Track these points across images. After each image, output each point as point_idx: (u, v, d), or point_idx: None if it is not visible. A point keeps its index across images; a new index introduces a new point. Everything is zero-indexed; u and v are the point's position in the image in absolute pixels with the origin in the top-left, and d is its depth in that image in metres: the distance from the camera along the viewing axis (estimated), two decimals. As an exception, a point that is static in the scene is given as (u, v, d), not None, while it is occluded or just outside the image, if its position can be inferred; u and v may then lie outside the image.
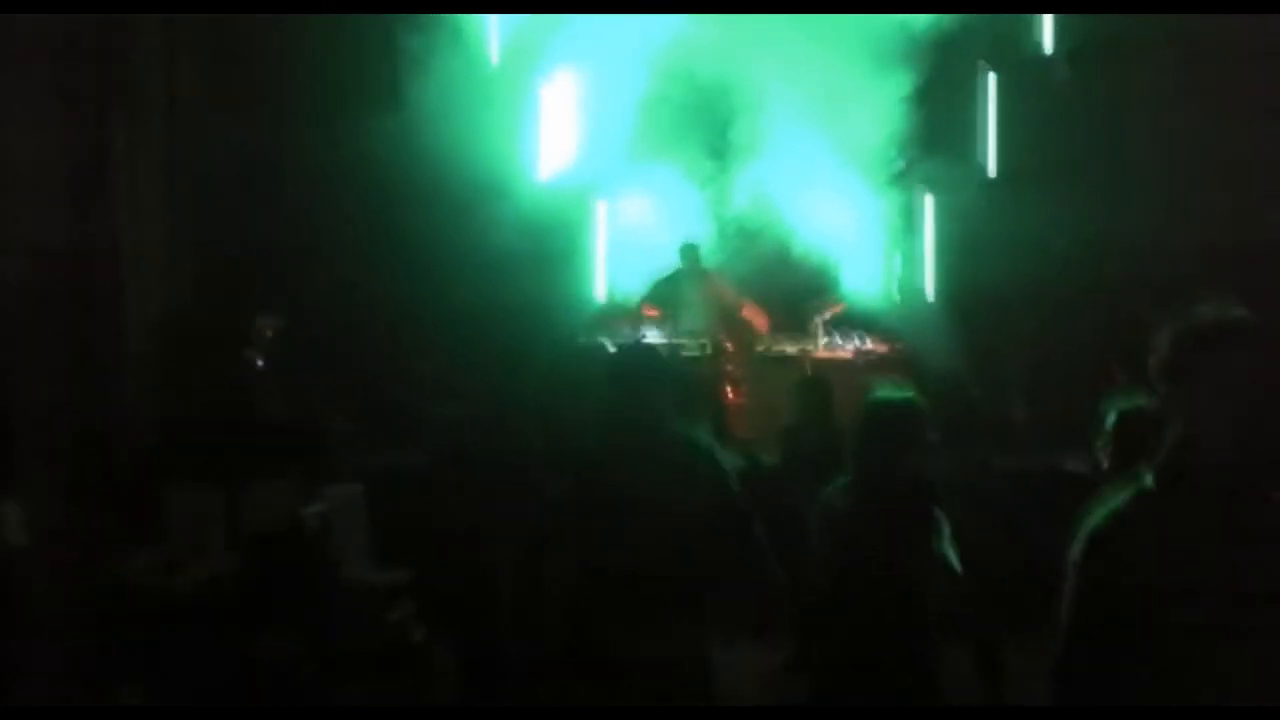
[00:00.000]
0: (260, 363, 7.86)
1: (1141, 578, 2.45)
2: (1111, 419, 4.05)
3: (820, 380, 7.28)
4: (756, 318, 9.51)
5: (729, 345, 9.39)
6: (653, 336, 9.44)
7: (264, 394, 7.67)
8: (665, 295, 9.55)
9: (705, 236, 9.62)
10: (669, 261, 9.56)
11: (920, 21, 9.07)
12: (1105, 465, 4.05)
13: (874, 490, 4.11)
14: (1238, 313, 2.52)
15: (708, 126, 9.41)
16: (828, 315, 9.46)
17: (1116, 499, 2.54)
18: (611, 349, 8.49)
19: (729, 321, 9.50)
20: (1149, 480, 2.51)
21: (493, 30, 9.71)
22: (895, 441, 4.10)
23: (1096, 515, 2.56)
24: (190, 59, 8.54)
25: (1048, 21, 9.72)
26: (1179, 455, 2.52)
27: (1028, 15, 9.70)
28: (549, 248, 9.44)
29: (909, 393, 4.23)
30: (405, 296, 9.15)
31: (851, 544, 4.11)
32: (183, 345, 7.83)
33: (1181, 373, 2.52)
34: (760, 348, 9.45)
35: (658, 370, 4.42)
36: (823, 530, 4.20)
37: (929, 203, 9.81)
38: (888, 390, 4.24)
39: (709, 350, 9.34)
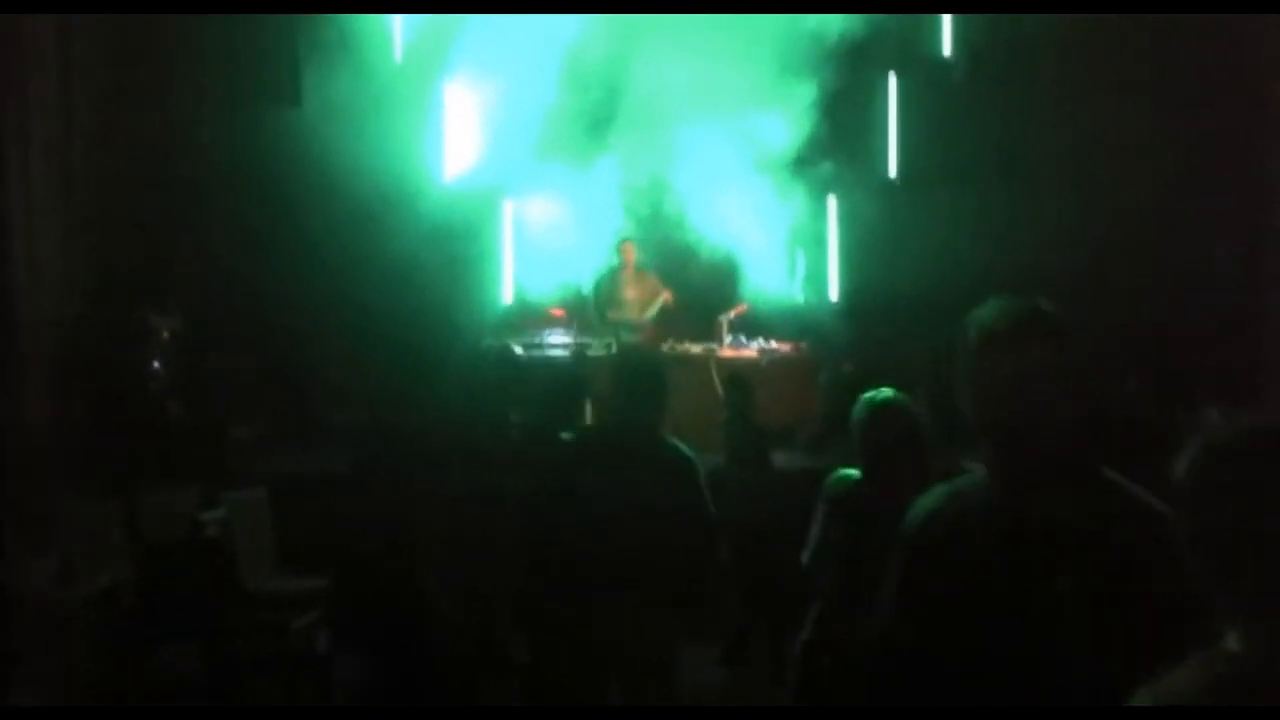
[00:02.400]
0: (157, 365, 7.69)
1: (964, 559, 2.55)
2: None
3: (743, 378, 7.46)
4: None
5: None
6: (558, 337, 9.45)
7: (161, 397, 7.52)
8: (607, 291, 9.59)
9: (614, 236, 9.62)
10: (583, 263, 9.55)
11: (825, 26, 9.15)
12: None
13: (882, 483, 4.11)
14: (1010, 312, 2.54)
15: (613, 128, 9.38)
16: (732, 315, 9.53)
17: (955, 483, 2.66)
18: (615, 353, 8.51)
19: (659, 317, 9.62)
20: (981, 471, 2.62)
21: (397, 29, 9.61)
22: (904, 438, 4.13)
23: (935, 494, 2.68)
24: (86, 50, 8.30)
25: (948, 25, 9.87)
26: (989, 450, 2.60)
27: (930, 19, 9.85)
28: (454, 249, 9.37)
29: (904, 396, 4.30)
30: (308, 298, 9.01)
31: (866, 534, 4.17)
32: (77, 347, 7.63)
33: (971, 375, 2.55)
34: (665, 347, 9.48)
35: (659, 376, 4.54)
36: (836, 520, 4.25)
37: (832, 205, 9.92)
38: (888, 393, 4.27)
39: (614, 350, 9.35)
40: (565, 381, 6.79)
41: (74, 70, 8.17)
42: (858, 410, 4.21)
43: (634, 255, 9.63)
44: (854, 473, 4.23)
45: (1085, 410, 2.55)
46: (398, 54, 9.66)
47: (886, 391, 4.25)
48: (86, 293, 8.11)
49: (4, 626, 5.67)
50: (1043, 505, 2.53)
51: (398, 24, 9.61)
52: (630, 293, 9.62)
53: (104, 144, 8.47)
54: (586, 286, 9.67)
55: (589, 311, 9.62)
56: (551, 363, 8.72)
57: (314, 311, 8.98)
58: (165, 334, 7.87)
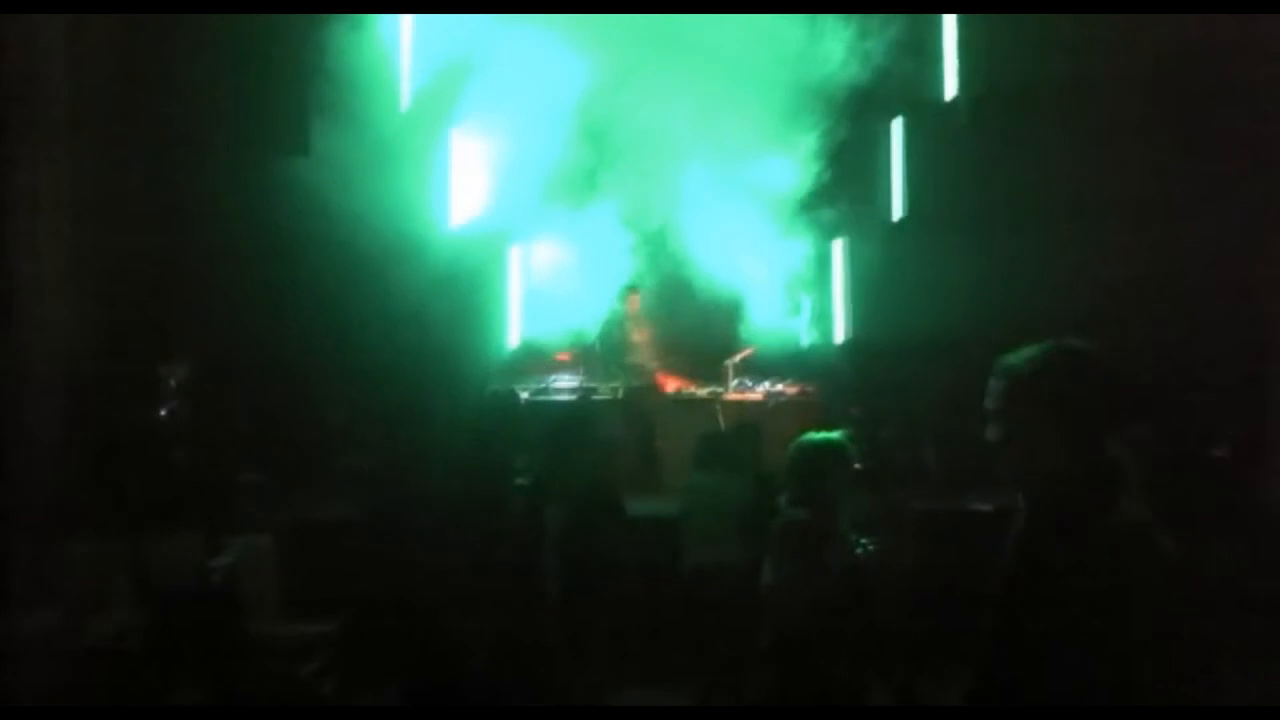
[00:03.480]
0: (164, 413, 7.70)
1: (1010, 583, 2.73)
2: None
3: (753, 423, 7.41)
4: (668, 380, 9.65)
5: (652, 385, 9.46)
6: (565, 381, 9.47)
7: (168, 445, 7.52)
8: (612, 338, 9.60)
9: (621, 283, 9.64)
10: (589, 307, 9.57)
11: (830, 70, 9.22)
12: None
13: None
14: (1038, 356, 2.73)
15: (618, 174, 9.43)
16: (738, 359, 9.54)
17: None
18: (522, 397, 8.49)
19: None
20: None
21: (404, 77, 9.69)
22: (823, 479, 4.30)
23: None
24: (94, 102, 8.38)
25: (953, 69, 9.94)
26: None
27: (933, 63, 9.92)
28: (460, 296, 9.40)
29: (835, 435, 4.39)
30: (315, 345, 9.03)
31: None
32: (84, 396, 7.65)
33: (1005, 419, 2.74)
34: (670, 391, 9.51)
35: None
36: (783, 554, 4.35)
37: (838, 248, 9.95)
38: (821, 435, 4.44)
39: (620, 395, 9.37)
40: (573, 426, 6.80)
41: (81, 124, 8.25)
42: (791, 451, 4.43)
43: (638, 304, 9.65)
44: (799, 512, 4.34)
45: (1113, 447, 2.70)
46: (404, 103, 9.73)
47: (821, 434, 4.47)
48: (93, 342, 8.15)
49: (8, 674, 5.65)
50: (1063, 544, 2.63)
51: (404, 73, 9.69)
52: (637, 338, 9.63)
53: (111, 195, 8.53)
54: (593, 332, 9.68)
55: (596, 357, 9.62)
56: (557, 407, 8.74)
57: (320, 359, 9.00)
58: (172, 382, 7.89)
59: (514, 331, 9.78)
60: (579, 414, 8.15)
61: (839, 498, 4.35)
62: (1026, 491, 2.77)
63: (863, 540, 4.32)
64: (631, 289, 9.62)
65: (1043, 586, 2.65)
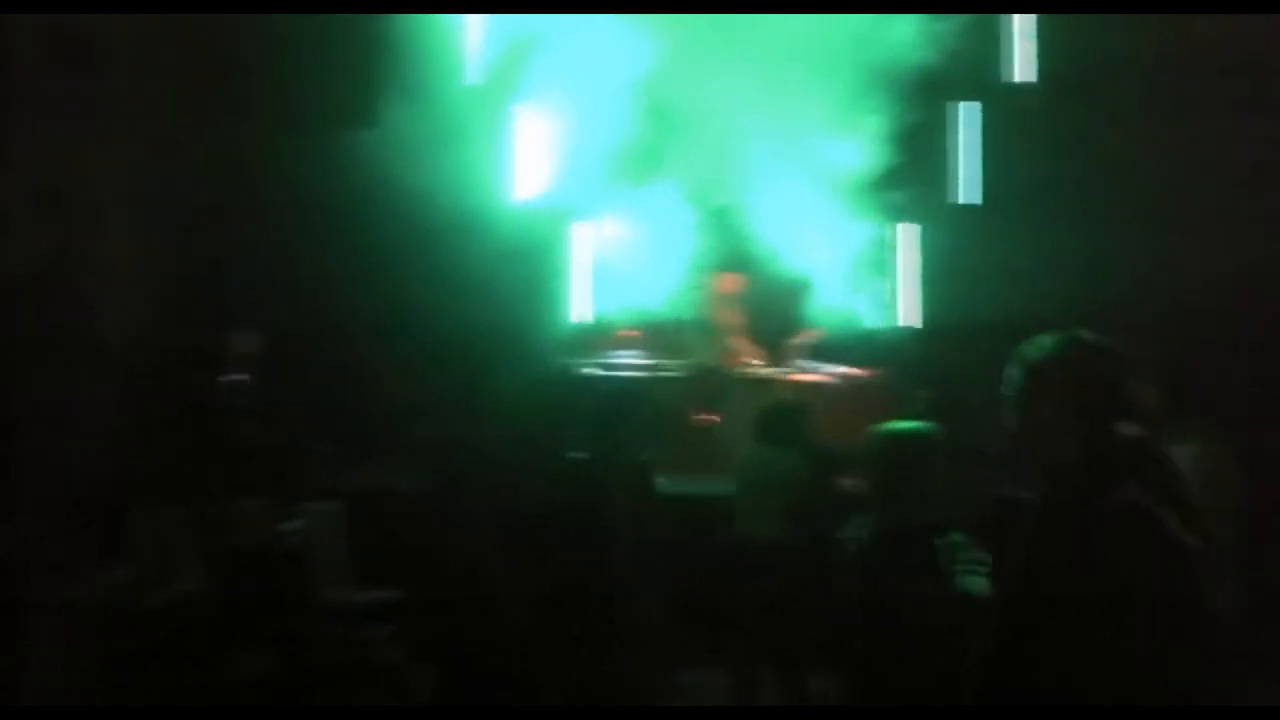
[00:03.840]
0: (234, 381, 7.73)
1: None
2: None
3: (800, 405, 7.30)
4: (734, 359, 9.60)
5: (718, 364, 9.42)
6: (629, 357, 9.45)
7: (240, 412, 7.56)
8: (698, 316, 9.58)
9: (685, 261, 9.59)
10: (653, 283, 9.54)
11: (899, 48, 9.10)
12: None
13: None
14: (1052, 347, 2.86)
15: (684, 150, 9.37)
16: (803, 340, 9.48)
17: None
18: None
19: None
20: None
21: (470, 51, 9.69)
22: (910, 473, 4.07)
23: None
24: (162, 72, 8.44)
25: (1025, 48, 9.81)
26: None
27: (1005, 41, 9.79)
28: (525, 270, 9.40)
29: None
30: (382, 317, 9.07)
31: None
32: (158, 363, 7.71)
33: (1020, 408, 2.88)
34: (736, 370, 9.46)
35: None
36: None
37: (906, 230, 9.86)
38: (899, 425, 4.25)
39: (683, 372, 9.35)
40: (636, 401, 6.78)
41: (150, 95, 8.30)
42: (866, 439, 4.21)
43: (732, 286, 9.59)
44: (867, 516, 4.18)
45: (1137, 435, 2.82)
46: (470, 77, 9.73)
47: (900, 424, 4.26)
48: (164, 310, 8.22)
49: (83, 638, 5.71)
50: (1071, 531, 2.74)
51: (471, 47, 9.68)
52: (725, 319, 9.58)
53: (179, 167, 8.59)
54: (657, 309, 9.63)
55: (678, 334, 9.58)
56: (622, 382, 8.71)
57: (388, 330, 9.04)
58: (242, 351, 7.93)
59: (578, 307, 9.76)
60: (632, 390, 8.14)
61: (928, 494, 4.13)
62: (1040, 480, 2.86)
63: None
64: (727, 269, 9.53)
65: (1053, 574, 2.74)
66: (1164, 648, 2.68)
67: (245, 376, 7.82)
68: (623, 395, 7.22)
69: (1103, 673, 2.69)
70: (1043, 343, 2.84)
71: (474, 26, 9.71)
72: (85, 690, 5.57)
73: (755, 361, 9.57)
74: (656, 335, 9.62)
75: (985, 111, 9.99)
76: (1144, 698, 2.67)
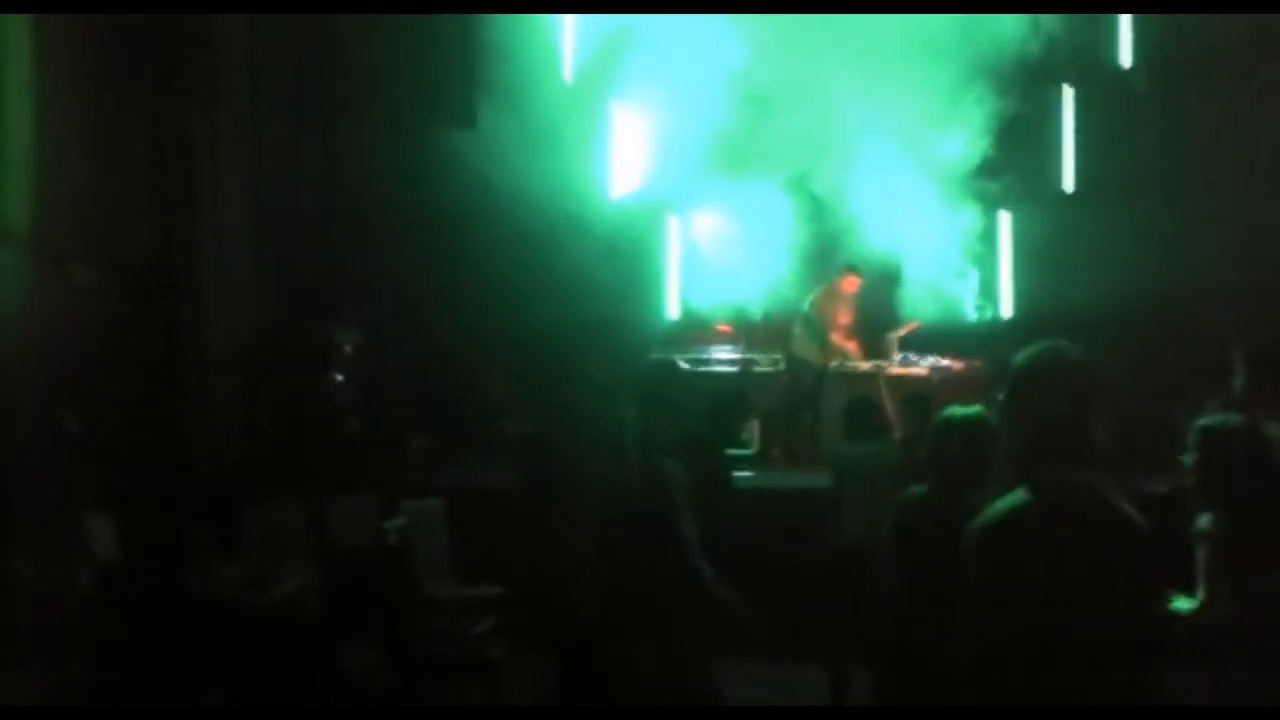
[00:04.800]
0: (339, 378, 7.94)
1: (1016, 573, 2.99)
2: (1195, 435, 4.14)
3: (922, 398, 7.26)
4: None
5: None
6: (725, 353, 9.48)
7: (343, 409, 7.75)
8: (817, 314, 9.49)
9: (781, 253, 9.57)
10: (751, 278, 9.54)
11: (998, 35, 8.99)
12: (1189, 480, 4.12)
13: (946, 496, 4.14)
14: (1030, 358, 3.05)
15: (781, 145, 9.35)
16: (903, 332, 9.42)
17: (1004, 504, 3.10)
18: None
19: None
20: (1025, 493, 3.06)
21: (567, 48, 9.79)
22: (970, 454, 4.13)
23: (988, 514, 3.12)
24: (272, 75, 8.66)
25: (1126, 34, 9.63)
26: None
27: (1106, 28, 9.62)
28: (622, 266, 9.47)
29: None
30: (480, 314, 9.22)
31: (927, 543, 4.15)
32: (265, 361, 7.93)
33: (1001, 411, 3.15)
34: (834, 364, 9.41)
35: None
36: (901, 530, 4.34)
37: (1006, 220, 9.74)
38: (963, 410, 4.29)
39: (782, 366, 9.36)
40: (733, 397, 6.81)
41: (260, 94, 8.53)
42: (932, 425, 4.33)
43: (855, 286, 9.48)
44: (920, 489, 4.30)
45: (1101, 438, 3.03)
46: (566, 75, 9.83)
47: (963, 409, 4.30)
48: (273, 308, 8.44)
49: (200, 628, 5.90)
50: (1049, 525, 2.96)
51: (568, 44, 9.78)
52: (842, 319, 9.51)
53: (288, 166, 8.82)
54: (754, 303, 9.65)
55: (772, 327, 9.58)
56: (720, 378, 8.76)
57: (487, 328, 9.18)
58: (347, 348, 8.12)
59: (675, 301, 9.82)
60: (728, 386, 8.18)
61: (972, 475, 4.15)
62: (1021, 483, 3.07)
63: None
64: (850, 268, 9.45)
65: (1024, 573, 2.95)
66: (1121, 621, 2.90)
67: (351, 375, 8.02)
68: (717, 392, 7.26)
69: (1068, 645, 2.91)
70: (1023, 353, 3.05)
71: (569, 26, 9.80)
72: (202, 684, 5.76)
73: (854, 355, 9.51)
74: (755, 330, 9.64)
75: (1088, 98, 9.84)
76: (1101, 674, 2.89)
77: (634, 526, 5.13)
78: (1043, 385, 3.08)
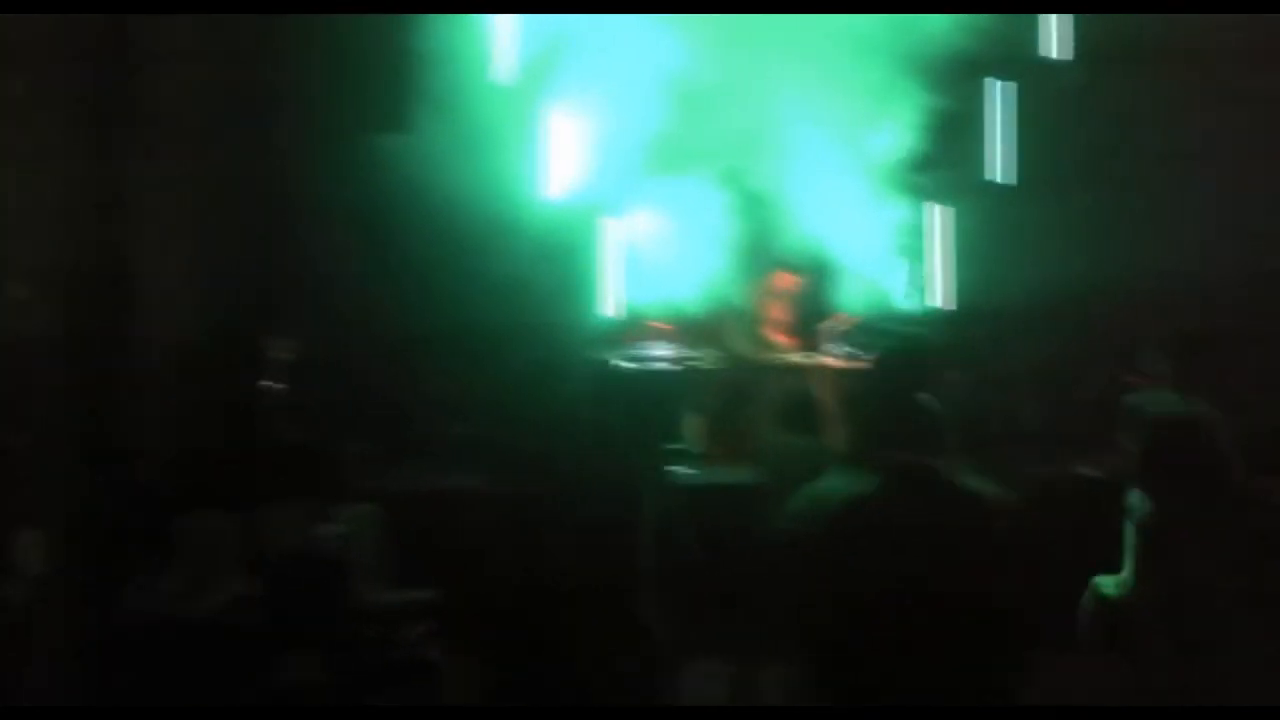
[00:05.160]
0: (272, 385, 7.87)
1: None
2: (1134, 416, 4.17)
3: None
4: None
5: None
6: (662, 351, 9.50)
7: (276, 416, 7.69)
8: (746, 311, 9.63)
9: (716, 250, 9.61)
10: (687, 275, 9.57)
11: (930, 30, 9.06)
12: (1123, 459, 4.15)
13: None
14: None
15: (717, 141, 9.39)
16: (835, 324, 9.49)
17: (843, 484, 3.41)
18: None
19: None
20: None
21: (498, 53, 9.76)
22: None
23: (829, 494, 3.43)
24: (202, 80, 8.59)
25: (1061, 27, 9.74)
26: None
27: (1041, 21, 9.74)
28: (559, 267, 9.47)
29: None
30: (416, 318, 9.18)
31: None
32: (197, 369, 7.85)
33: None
34: (771, 359, 9.49)
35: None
36: None
37: (938, 212, 9.83)
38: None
39: (716, 363, 9.40)
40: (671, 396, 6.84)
41: (191, 101, 8.45)
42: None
43: (788, 284, 9.62)
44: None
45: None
46: (499, 78, 9.80)
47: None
48: (206, 315, 8.37)
49: (133, 642, 5.84)
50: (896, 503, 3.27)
51: (500, 47, 9.75)
52: (778, 314, 9.64)
53: (218, 172, 8.74)
54: (692, 301, 9.67)
55: (708, 325, 9.63)
56: (659, 377, 8.79)
57: (423, 332, 9.15)
58: (279, 355, 8.06)
59: (611, 302, 9.82)
60: (662, 382, 8.21)
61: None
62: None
63: None
64: (785, 265, 9.56)
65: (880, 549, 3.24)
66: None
67: (284, 381, 7.95)
68: (652, 388, 7.28)
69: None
70: (877, 342, 3.61)
71: (502, 28, 9.77)
72: (131, 697, 5.69)
73: (789, 349, 9.59)
74: (691, 328, 9.66)
75: (1019, 91, 9.95)
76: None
77: (590, 524, 5.18)
78: (891, 372, 3.56)
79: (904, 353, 3.95)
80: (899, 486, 3.36)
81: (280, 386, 7.82)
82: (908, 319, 9.51)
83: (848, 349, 9.37)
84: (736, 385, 9.35)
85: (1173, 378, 5.99)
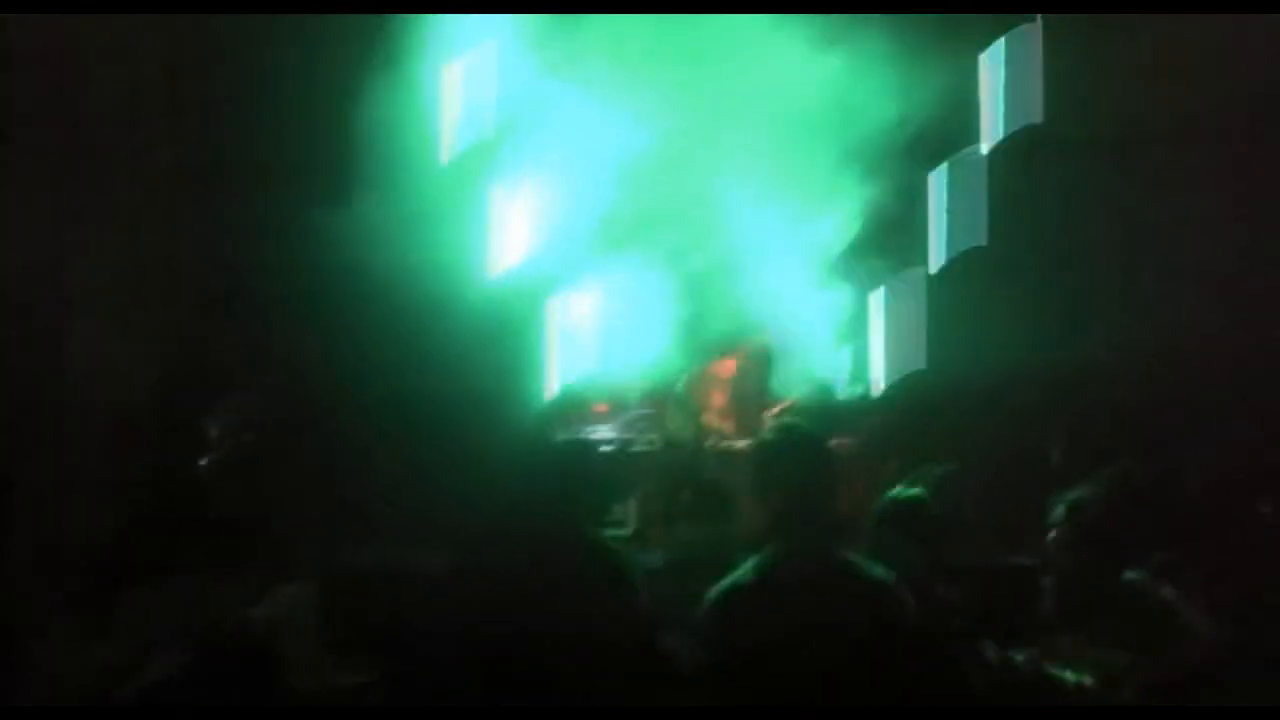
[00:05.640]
0: (209, 460, 7.72)
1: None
2: (1060, 510, 4.31)
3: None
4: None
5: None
6: (603, 432, 9.48)
7: (213, 491, 7.53)
8: (692, 394, 9.76)
9: (658, 333, 9.64)
10: (630, 357, 9.59)
11: (872, 120, 9.25)
12: (1055, 555, 4.28)
13: None
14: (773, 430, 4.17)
15: (660, 223, 9.47)
16: (778, 410, 9.52)
17: (742, 572, 3.73)
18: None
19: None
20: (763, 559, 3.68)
21: (445, 132, 9.80)
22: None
23: (727, 581, 3.75)
24: (145, 154, 8.53)
25: (992, 121, 10.01)
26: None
27: (971, 114, 10.00)
28: (502, 345, 9.44)
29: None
30: (358, 393, 9.09)
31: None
32: (140, 442, 7.70)
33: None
34: (709, 443, 9.51)
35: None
36: None
37: (877, 300, 9.97)
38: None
39: (657, 446, 9.39)
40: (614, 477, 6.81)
41: (136, 177, 8.39)
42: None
43: (736, 367, 9.73)
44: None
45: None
46: (445, 157, 9.83)
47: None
48: (137, 390, 8.21)
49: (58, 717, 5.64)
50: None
51: (446, 127, 9.80)
52: (718, 399, 9.72)
53: (159, 243, 8.65)
54: (632, 383, 9.69)
55: (651, 407, 9.65)
56: (597, 457, 8.76)
57: (363, 407, 9.06)
58: (216, 431, 7.92)
59: (555, 381, 9.80)
60: (604, 459, 8.20)
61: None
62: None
63: None
64: (726, 350, 9.69)
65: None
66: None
67: (224, 457, 7.80)
68: (589, 468, 7.24)
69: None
70: (767, 431, 4.04)
71: (449, 106, 9.82)
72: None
73: (730, 435, 9.61)
74: (634, 409, 9.66)
75: (953, 182, 10.16)
76: None
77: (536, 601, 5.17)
78: (782, 462, 3.65)
79: (790, 443, 4.05)
80: (787, 575, 3.66)
81: (220, 461, 7.67)
82: (835, 407, 9.59)
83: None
84: (673, 470, 9.37)
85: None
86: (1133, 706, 2.69)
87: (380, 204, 9.31)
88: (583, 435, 9.40)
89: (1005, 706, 3.02)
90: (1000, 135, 10.07)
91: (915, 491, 4.71)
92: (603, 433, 9.54)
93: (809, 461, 3.89)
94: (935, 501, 4.62)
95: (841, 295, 9.72)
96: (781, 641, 3.42)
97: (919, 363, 9.77)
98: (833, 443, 9.23)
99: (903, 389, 9.87)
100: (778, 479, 3.83)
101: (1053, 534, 4.38)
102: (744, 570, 3.76)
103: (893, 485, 8.56)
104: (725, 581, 3.72)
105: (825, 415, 9.55)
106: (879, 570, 3.72)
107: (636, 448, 9.38)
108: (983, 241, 9.91)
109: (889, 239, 9.93)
